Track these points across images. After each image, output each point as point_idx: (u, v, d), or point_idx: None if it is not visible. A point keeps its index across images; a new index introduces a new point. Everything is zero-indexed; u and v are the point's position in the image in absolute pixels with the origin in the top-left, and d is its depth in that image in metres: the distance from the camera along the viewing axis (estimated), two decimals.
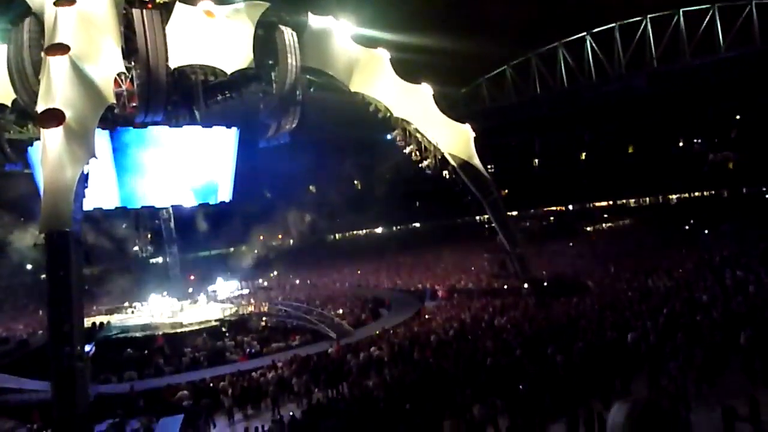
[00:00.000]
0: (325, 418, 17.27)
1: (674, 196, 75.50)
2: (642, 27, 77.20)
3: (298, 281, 60.27)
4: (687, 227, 56.10)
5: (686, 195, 73.96)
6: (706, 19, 73.10)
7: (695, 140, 79.89)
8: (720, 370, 15.45)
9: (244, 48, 32.63)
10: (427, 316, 35.24)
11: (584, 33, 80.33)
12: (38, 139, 24.73)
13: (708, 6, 72.93)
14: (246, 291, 50.39)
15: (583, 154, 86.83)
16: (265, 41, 33.44)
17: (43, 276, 20.94)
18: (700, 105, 70.34)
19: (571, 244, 60.27)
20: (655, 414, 2.37)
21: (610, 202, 79.31)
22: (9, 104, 30.80)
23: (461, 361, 20.72)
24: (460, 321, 30.37)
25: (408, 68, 38.88)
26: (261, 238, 71.00)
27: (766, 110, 62.67)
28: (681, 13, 74.63)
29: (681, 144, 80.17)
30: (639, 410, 2.37)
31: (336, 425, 16.20)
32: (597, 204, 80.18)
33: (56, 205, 19.33)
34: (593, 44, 79.98)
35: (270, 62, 34.15)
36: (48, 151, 19.94)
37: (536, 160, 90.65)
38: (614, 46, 79.35)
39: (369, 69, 36.00)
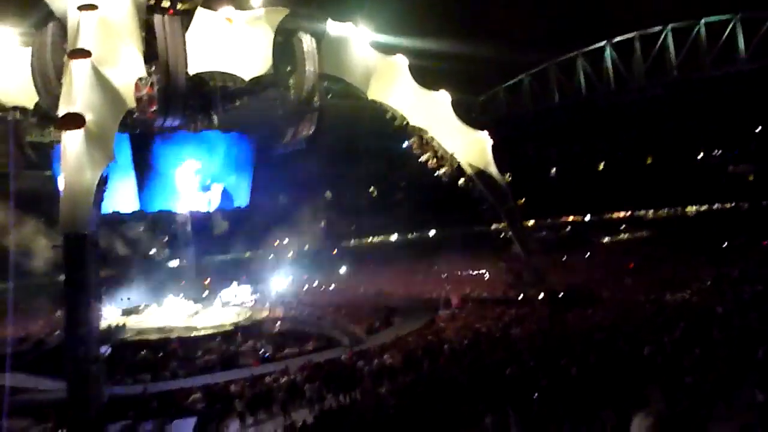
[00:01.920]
0: (337, 424, 17.26)
1: (693, 208, 74.77)
2: (662, 37, 76.74)
3: (312, 287, 60.29)
4: (705, 240, 55.52)
5: (705, 207, 73.22)
6: (728, 30, 72.56)
7: (714, 152, 79.18)
8: (737, 385, 15.25)
9: (262, 54, 32.81)
10: (440, 325, 35.08)
11: (604, 42, 79.98)
12: (59, 142, 25.05)
13: (730, 16, 72.35)
14: (260, 296, 50.53)
15: (601, 164, 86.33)
16: (284, 48, 33.61)
17: (61, 277, 21.14)
18: (720, 116, 69.72)
19: (587, 254, 59.82)
20: (677, 427, 2.25)
21: (628, 213, 78.67)
22: (31, 107, 31.24)
23: (474, 371, 20.61)
24: (474, 330, 30.20)
25: (426, 75, 38.89)
26: (276, 243, 71.23)
27: None
28: (702, 23, 74.10)
29: (700, 155, 79.48)
30: (661, 423, 2.26)
31: None
32: (614, 215, 79.59)
33: (75, 208, 19.53)
34: (613, 53, 79.62)
35: (288, 69, 34.30)
36: (68, 154, 20.17)
37: (553, 170, 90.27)
38: (634, 56, 78.96)
39: (387, 76, 36.04)
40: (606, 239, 72.73)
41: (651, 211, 78.36)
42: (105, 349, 20.85)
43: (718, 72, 74.34)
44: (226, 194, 37.08)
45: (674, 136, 76.60)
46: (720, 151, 78.49)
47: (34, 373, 26.40)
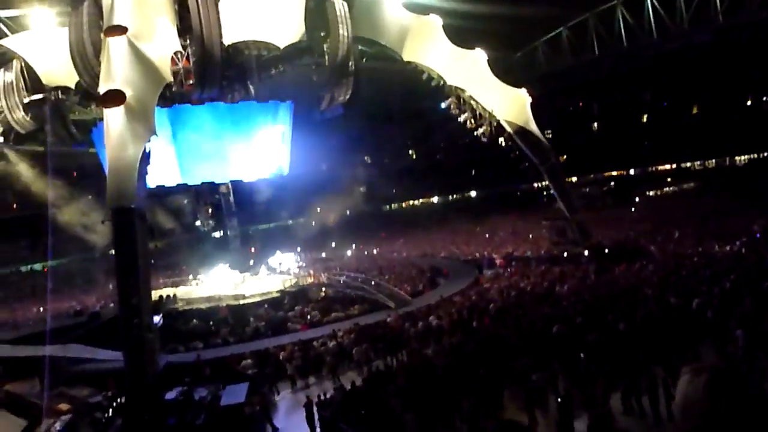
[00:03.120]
0: (385, 386, 17.48)
1: (741, 158, 72.52)
2: None
3: (356, 252, 60.81)
4: (755, 190, 53.91)
5: (754, 156, 70.95)
6: None
7: (764, 98, 76.28)
8: None
9: (295, 21, 32.66)
10: (485, 285, 35.08)
11: None
12: (102, 119, 25.47)
13: None
14: (305, 262, 51.11)
15: (645, 115, 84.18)
16: (316, 13, 33.33)
17: (112, 251, 21.72)
18: None
19: (632, 209, 58.86)
20: (735, 382, 2.13)
21: (673, 165, 76.87)
22: (73, 86, 31.81)
23: (520, 329, 20.61)
24: (519, 289, 30.15)
25: (461, 34, 38.23)
26: (318, 210, 71.78)
27: None
28: None
29: (749, 102, 76.71)
30: (717, 379, 2.13)
31: (396, 393, 16.38)
32: (659, 167, 77.87)
33: (120, 183, 19.93)
34: (654, 0, 76.75)
35: (322, 34, 34.06)
36: (110, 130, 20.54)
37: (595, 124, 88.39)
38: (676, 1, 75.91)
39: (421, 36, 35.52)
40: (651, 192, 71.41)
41: (698, 162, 76.40)
42: (157, 319, 21.40)
43: (766, 12, 70.96)
44: (266, 163, 37.43)
45: (721, 83, 73.98)
46: None
47: (91, 345, 27.29)
